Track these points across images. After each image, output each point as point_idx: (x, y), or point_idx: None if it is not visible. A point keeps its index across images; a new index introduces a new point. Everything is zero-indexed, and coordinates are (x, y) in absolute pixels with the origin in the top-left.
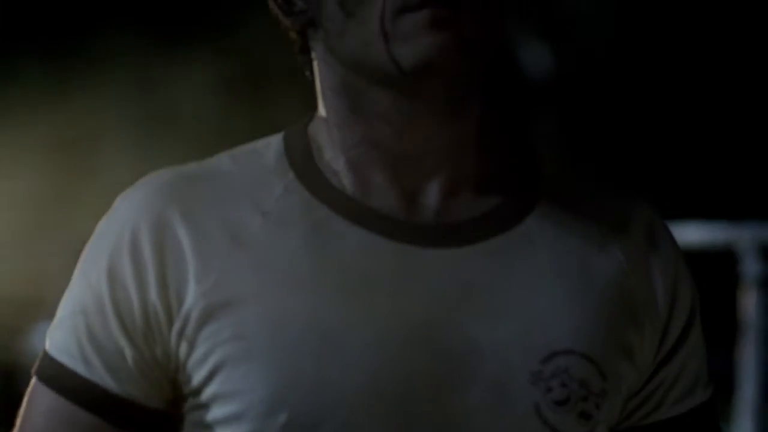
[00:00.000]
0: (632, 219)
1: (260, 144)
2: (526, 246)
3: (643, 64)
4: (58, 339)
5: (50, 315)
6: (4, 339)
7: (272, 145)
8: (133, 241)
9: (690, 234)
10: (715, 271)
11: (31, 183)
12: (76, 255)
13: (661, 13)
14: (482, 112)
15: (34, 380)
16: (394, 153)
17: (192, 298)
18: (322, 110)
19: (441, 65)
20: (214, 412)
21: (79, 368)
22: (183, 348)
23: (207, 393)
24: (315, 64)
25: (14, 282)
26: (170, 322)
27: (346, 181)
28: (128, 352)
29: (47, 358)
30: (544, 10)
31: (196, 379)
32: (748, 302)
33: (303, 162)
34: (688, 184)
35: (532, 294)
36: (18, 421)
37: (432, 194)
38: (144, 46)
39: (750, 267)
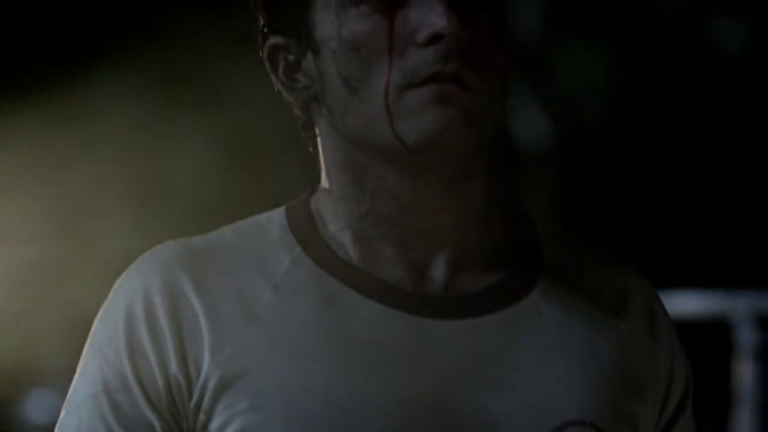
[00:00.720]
0: (632, 291)
1: (262, 218)
2: (535, 319)
3: (638, 133)
4: (78, 424)
5: (43, 385)
6: None
7: (275, 219)
8: (148, 311)
9: (685, 303)
10: (709, 340)
11: (25, 253)
12: (71, 325)
13: (656, 82)
14: (484, 184)
15: None
16: (401, 227)
17: (207, 369)
18: (325, 184)
19: (446, 141)
20: None
21: None
22: (201, 420)
23: None
24: (318, 139)
25: (7, 352)
26: (190, 394)
27: (353, 253)
28: (157, 427)
29: None
30: (542, 78)
31: None
32: (744, 372)
33: (309, 235)
34: (683, 252)
35: (542, 366)
36: None
37: (439, 267)
38: (142, 115)
39: (745, 337)
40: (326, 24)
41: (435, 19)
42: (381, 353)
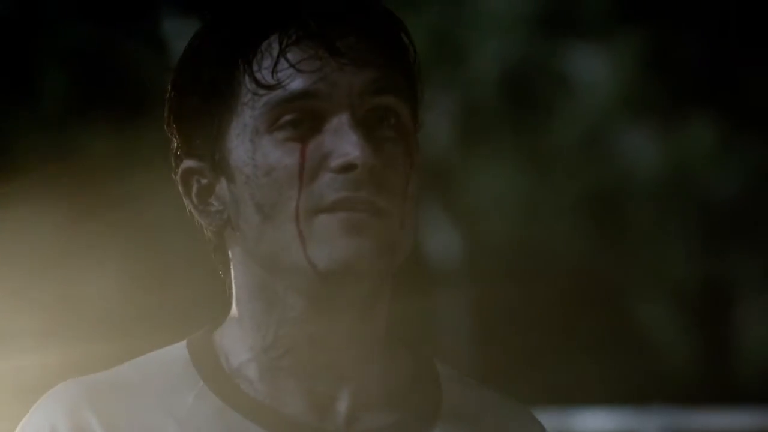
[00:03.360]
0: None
1: (163, 353)
2: None
3: (548, 250)
4: None
5: None
6: None
7: (177, 353)
8: None
9: (595, 421)
10: None
11: None
12: None
13: (567, 201)
14: (387, 315)
15: None
16: (307, 359)
17: None
18: (235, 312)
19: (357, 268)
20: None
21: None
22: None
23: None
24: (231, 264)
25: None
26: None
27: (257, 387)
28: None
29: None
30: (452, 196)
31: None
32: None
33: (212, 369)
34: (592, 369)
35: None
36: None
37: (342, 403)
38: (52, 230)
39: None
40: (240, 150)
41: (348, 149)
42: None
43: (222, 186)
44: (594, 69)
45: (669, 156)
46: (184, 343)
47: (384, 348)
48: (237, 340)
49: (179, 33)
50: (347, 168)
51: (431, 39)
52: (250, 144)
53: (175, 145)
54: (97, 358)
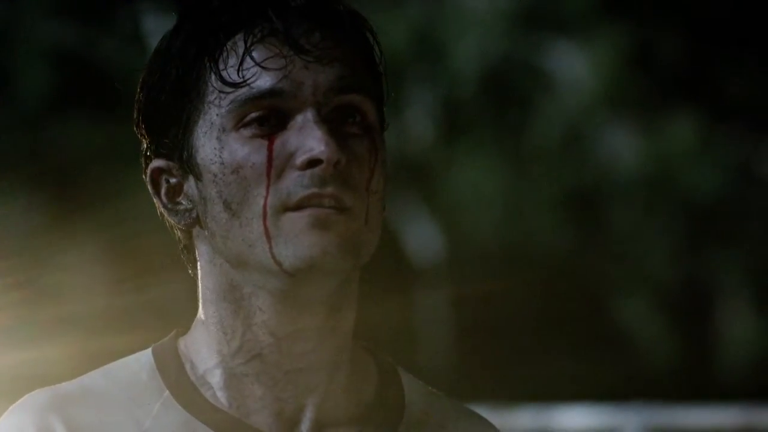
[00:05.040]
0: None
1: (131, 360)
2: None
3: (530, 242)
4: None
5: None
6: None
7: (143, 361)
8: None
9: (576, 417)
10: None
11: None
12: None
13: (548, 197)
14: (353, 322)
15: None
16: (273, 366)
17: None
18: (201, 315)
19: (322, 265)
20: None
21: None
22: None
23: None
24: (199, 264)
25: None
26: None
27: (222, 395)
28: None
29: None
30: (433, 191)
31: None
32: None
33: (176, 378)
34: (573, 366)
35: None
36: None
37: (307, 412)
38: (33, 227)
39: None
40: (208, 148)
41: (313, 144)
42: None
43: (190, 184)
44: (575, 66)
45: (650, 153)
46: (150, 350)
47: (350, 356)
48: (203, 345)
49: (157, 29)
50: (312, 163)
51: (412, 35)
52: (216, 142)
53: (145, 145)
54: (79, 355)
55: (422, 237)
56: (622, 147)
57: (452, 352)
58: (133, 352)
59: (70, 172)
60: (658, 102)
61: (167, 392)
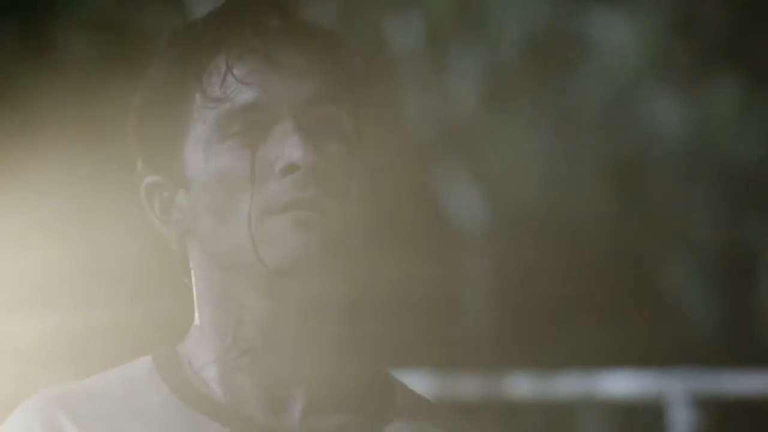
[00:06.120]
0: None
1: (130, 364)
2: None
3: (573, 208)
4: None
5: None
6: None
7: (143, 364)
8: None
9: (620, 384)
10: (644, 420)
11: None
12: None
13: (593, 164)
14: (341, 320)
15: None
16: (263, 361)
17: None
18: (197, 320)
19: (305, 264)
20: None
21: None
22: None
23: None
24: (192, 271)
25: None
26: None
27: (216, 388)
28: None
29: None
30: (477, 156)
31: None
32: None
33: (175, 376)
34: (617, 332)
35: None
36: None
37: (296, 403)
38: (77, 197)
39: (679, 416)
40: (196, 160)
41: (291, 152)
42: None
43: (181, 197)
44: (618, 31)
45: (693, 118)
46: (150, 355)
47: (339, 355)
48: (199, 345)
49: None
50: (291, 169)
51: (455, 1)
52: (203, 154)
53: (139, 165)
54: (120, 320)
55: (464, 202)
56: (665, 112)
57: (494, 318)
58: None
59: (112, 138)
60: (701, 67)
61: (166, 387)
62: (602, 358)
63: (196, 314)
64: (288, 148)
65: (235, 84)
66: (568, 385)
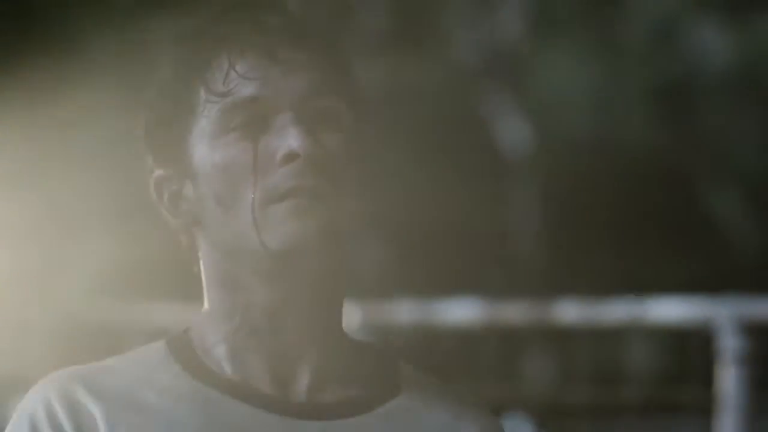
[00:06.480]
0: (484, 418)
1: (143, 347)
2: (387, 423)
3: (620, 135)
4: None
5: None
6: None
7: (155, 347)
8: (50, 415)
9: (668, 310)
10: (692, 347)
11: (4, 262)
12: (56, 330)
13: (638, 91)
14: (342, 310)
15: None
16: (269, 339)
17: None
18: (206, 305)
19: (303, 247)
20: None
21: None
22: None
23: None
24: (201, 261)
25: None
26: None
27: (226, 366)
28: None
29: None
30: (523, 86)
31: None
32: (726, 378)
33: (186, 356)
34: (666, 258)
35: None
36: None
37: (303, 380)
38: (121, 128)
39: (728, 343)
40: (201, 153)
41: (291, 141)
42: None
43: (188, 188)
44: None
45: (740, 45)
46: (162, 341)
47: (343, 337)
48: (208, 328)
49: None
50: (290, 158)
51: None
52: (208, 147)
53: (150, 160)
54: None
55: (513, 130)
56: (713, 40)
57: (543, 245)
58: None
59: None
60: None
61: (178, 366)
62: (651, 284)
63: (206, 300)
64: (288, 138)
65: (237, 79)
66: (617, 311)
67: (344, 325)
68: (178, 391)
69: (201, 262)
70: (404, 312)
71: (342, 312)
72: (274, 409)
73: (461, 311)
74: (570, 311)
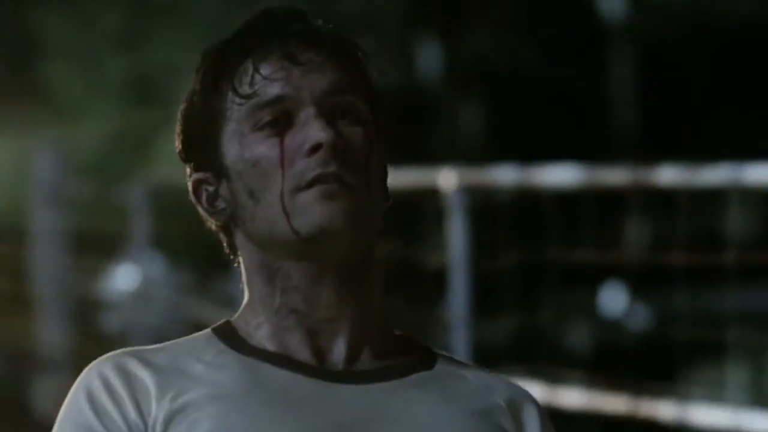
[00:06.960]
0: (514, 387)
1: (191, 336)
2: (420, 388)
3: (719, 4)
4: None
5: (43, 369)
6: None
7: (201, 333)
8: (106, 383)
9: (765, 174)
10: None
11: None
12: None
13: None
14: (376, 288)
15: None
16: (307, 317)
17: (155, 411)
18: (246, 295)
19: (332, 230)
20: None
21: None
22: None
23: None
24: (239, 253)
25: (9, 336)
26: (146, 430)
27: (267, 344)
28: None
29: None
30: None
31: None
32: None
33: (230, 336)
34: (762, 121)
35: (424, 419)
36: None
37: (339, 351)
38: None
39: None
40: (233, 152)
41: (314, 133)
42: (292, 403)
43: (223, 187)
44: None
45: None
46: (208, 329)
47: (375, 318)
48: (250, 314)
49: None
50: (315, 148)
51: None
52: (239, 145)
53: (188, 169)
54: None
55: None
56: None
57: (642, 111)
58: None
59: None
60: None
61: (222, 344)
62: (750, 149)
63: (246, 292)
64: (312, 131)
65: (261, 81)
66: (716, 174)
67: (376, 302)
68: (223, 361)
69: (239, 255)
70: (505, 175)
71: (374, 291)
72: (313, 374)
73: (561, 175)
74: (669, 175)
